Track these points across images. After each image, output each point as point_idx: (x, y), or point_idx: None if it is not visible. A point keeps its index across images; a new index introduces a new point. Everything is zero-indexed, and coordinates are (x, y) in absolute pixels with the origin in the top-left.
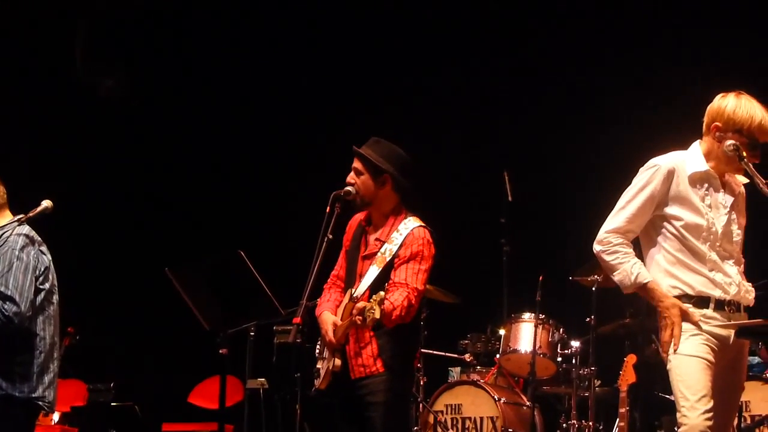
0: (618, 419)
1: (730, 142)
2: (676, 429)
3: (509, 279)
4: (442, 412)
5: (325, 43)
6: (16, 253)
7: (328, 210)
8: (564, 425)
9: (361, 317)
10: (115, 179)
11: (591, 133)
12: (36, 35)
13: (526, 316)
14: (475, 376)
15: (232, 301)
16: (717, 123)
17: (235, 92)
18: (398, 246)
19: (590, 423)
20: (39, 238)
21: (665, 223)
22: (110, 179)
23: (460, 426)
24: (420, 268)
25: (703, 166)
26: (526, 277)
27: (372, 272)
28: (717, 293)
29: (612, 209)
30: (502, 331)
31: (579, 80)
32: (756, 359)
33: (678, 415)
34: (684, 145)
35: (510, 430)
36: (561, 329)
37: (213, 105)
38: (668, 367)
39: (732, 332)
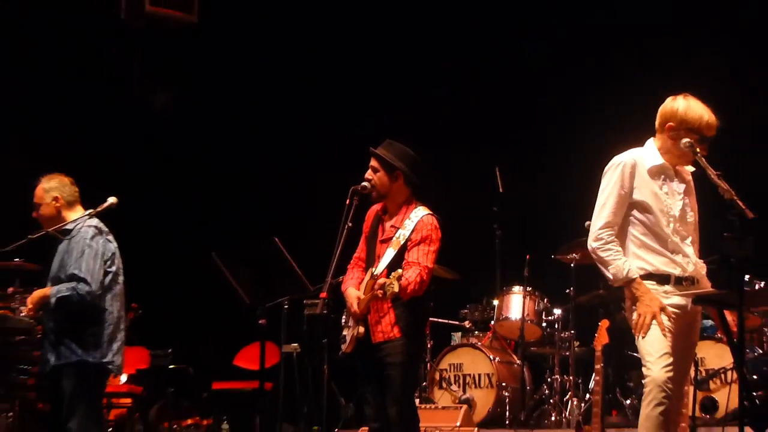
0: (594, 374)
1: (686, 140)
2: (642, 381)
3: (501, 258)
4: (446, 370)
5: (337, 54)
6: (87, 241)
7: (347, 202)
8: (548, 380)
9: (382, 291)
10: (168, 178)
11: (569, 135)
12: (101, 58)
13: (516, 288)
14: (473, 340)
15: (268, 280)
16: (671, 123)
17: (269, 105)
18: (410, 231)
19: (570, 377)
20: (106, 229)
21: (633, 212)
22: (164, 178)
23: (461, 381)
24: (429, 249)
25: (659, 159)
26: (515, 256)
27: (389, 254)
28: (677, 271)
29: (588, 202)
30: (495, 302)
31: (561, 85)
32: (710, 322)
33: (643, 369)
34: (640, 140)
35: (503, 383)
36: (545, 299)
37: (250, 115)
38: (635, 331)
39: (689, 301)
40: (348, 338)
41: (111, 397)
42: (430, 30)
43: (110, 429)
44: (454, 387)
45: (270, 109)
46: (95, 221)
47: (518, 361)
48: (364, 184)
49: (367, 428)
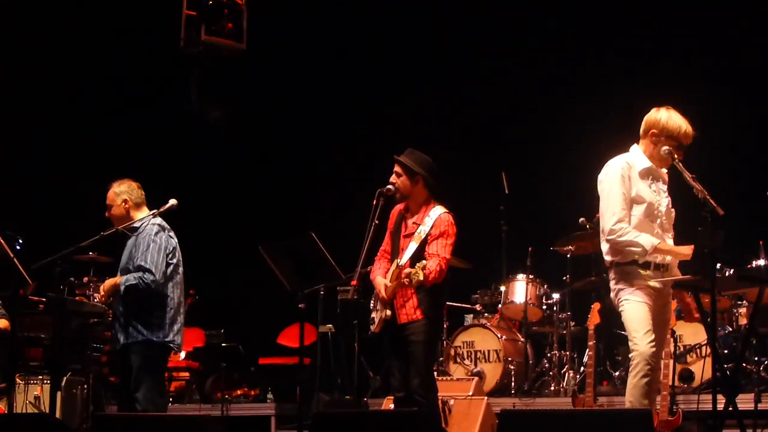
0: (587, 350)
1: (665, 147)
2: (629, 355)
3: (507, 250)
4: (459, 346)
5: (361, 72)
6: (152, 237)
7: (374, 202)
8: (548, 354)
9: (408, 279)
10: (221, 183)
11: (566, 142)
12: (164, 81)
13: (520, 276)
14: (483, 321)
15: (306, 269)
16: (654, 131)
17: (307, 119)
18: (430, 227)
19: (567, 353)
20: (168, 226)
21: (630, 208)
22: (218, 183)
23: (473, 356)
24: (447, 242)
25: (648, 162)
26: (519, 248)
27: (411, 247)
28: (657, 259)
29: (581, 201)
30: (502, 288)
31: (561, 94)
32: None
33: (630, 344)
34: (626, 146)
35: (509, 358)
36: (545, 285)
37: (292, 127)
38: (620, 310)
39: (663, 284)
40: (376, 320)
41: (172, 371)
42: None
43: (171, 398)
44: (467, 361)
45: (308, 123)
46: (159, 220)
47: (522, 339)
48: (389, 186)
49: (392, 397)
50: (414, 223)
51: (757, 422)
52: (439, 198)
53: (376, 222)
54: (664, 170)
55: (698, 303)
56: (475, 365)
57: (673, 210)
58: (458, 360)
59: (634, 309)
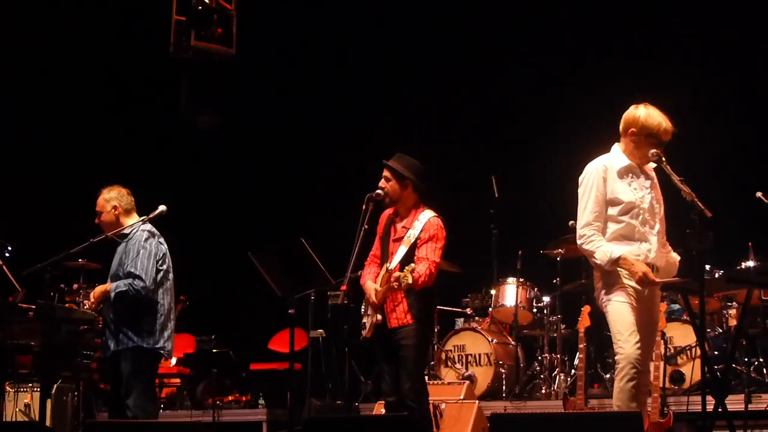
0: (578, 352)
1: (653, 151)
2: (615, 358)
3: (498, 253)
4: (450, 350)
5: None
6: (142, 243)
7: (363, 207)
8: (539, 357)
9: (397, 282)
10: (211, 189)
11: (555, 149)
12: (154, 85)
13: (510, 279)
14: (474, 324)
15: (296, 275)
16: (633, 129)
17: (295, 125)
18: (419, 231)
19: (558, 356)
20: (158, 232)
21: (609, 209)
22: (207, 189)
23: (464, 360)
24: (436, 246)
25: (626, 161)
26: (510, 252)
27: (401, 251)
28: (641, 258)
29: (571, 204)
30: (493, 291)
31: (552, 97)
32: (677, 306)
33: (615, 347)
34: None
35: (500, 361)
36: (536, 288)
37: (280, 133)
38: (605, 311)
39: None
40: (367, 325)
41: (163, 377)
42: (442, 58)
43: (162, 405)
44: (458, 365)
45: (299, 128)
46: (149, 226)
47: (513, 342)
48: (378, 191)
49: (383, 402)
50: (403, 227)
51: (747, 423)
52: (428, 202)
53: (366, 227)
54: (652, 165)
55: (687, 305)
56: (466, 369)
57: (658, 204)
58: (449, 364)
59: (617, 311)
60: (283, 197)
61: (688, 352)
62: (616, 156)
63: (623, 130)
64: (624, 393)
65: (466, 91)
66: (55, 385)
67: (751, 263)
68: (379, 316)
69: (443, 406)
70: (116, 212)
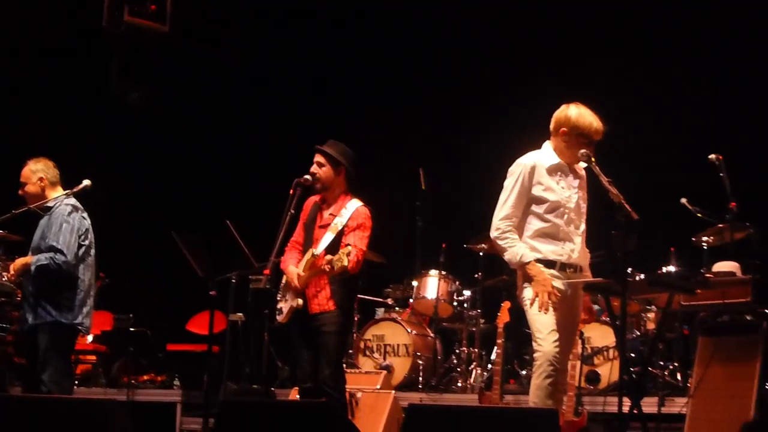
0: (495, 347)
1: (583, 151)
2: (533, 356)
3: (421, 245)
4: (369, 339)
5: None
6: (65, 217)
7: (291, 192)
8: (457, 351)
9: (330, 265)
10: (137, 165)
11: (481, 144)
12: (84, 60)
13: (432, 272)
14: (394, 315)
15: (219, 257)
16: (564, 128)
17: (225, 105)
18: (347, 219)
19: (476, 350)
20: (81, 207)
21: (532, 206)
22: (133, 165)
23: (383, 350)
24: (363, 235)
25: (556, 159)
26: (433, 245)
27: (327, 237)
28: (563, 258)
29: (496, 200)
30: (414, 283)
31: (479, 93)
32: (596, 306)
33: (534, 345)
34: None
35: (419, 353)
36: (457, 282)
37: (210, 113)
38: (526, 309)
39: (568, 286)
40: (284, 310)
41: (79, 353)
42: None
43: (77, 381)
44: (376, 355)
45: (226, 109)
46: (72, 200)
47: (432, 334)
48: (307, 177)
49: (297, 388)
50: (330, 214)
51: (660, 425)
52: (355, 191)
53: (292, 212)
54: (582, 164)
55: (608, 306)
56: (384, 359)
57: (583, 205)
58: (367, 353)
59: (538, 309)
60: (210, 179)
61: (605, 352)
62: (547, 154)
63: (554, 128)
64: (541, 390)
65: (395, 82)
66: None
67: (672, 268)
68: (300, 301)
69: (359, 394)
70: (42, 184)
